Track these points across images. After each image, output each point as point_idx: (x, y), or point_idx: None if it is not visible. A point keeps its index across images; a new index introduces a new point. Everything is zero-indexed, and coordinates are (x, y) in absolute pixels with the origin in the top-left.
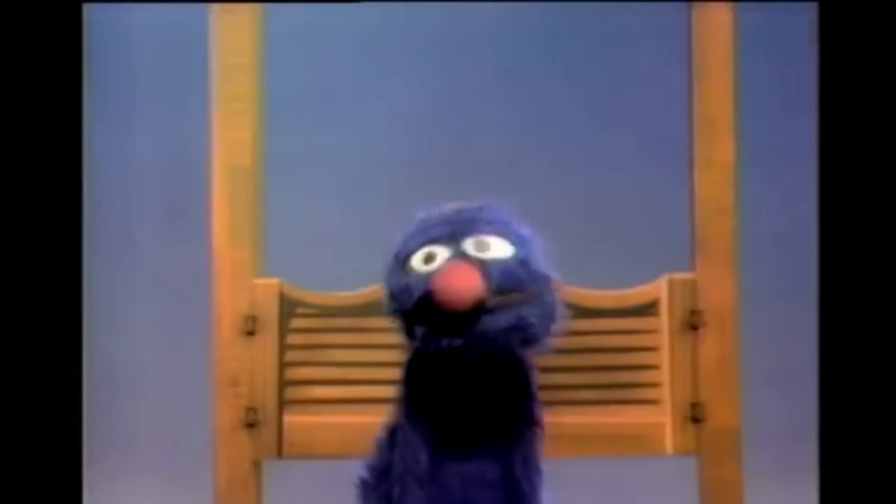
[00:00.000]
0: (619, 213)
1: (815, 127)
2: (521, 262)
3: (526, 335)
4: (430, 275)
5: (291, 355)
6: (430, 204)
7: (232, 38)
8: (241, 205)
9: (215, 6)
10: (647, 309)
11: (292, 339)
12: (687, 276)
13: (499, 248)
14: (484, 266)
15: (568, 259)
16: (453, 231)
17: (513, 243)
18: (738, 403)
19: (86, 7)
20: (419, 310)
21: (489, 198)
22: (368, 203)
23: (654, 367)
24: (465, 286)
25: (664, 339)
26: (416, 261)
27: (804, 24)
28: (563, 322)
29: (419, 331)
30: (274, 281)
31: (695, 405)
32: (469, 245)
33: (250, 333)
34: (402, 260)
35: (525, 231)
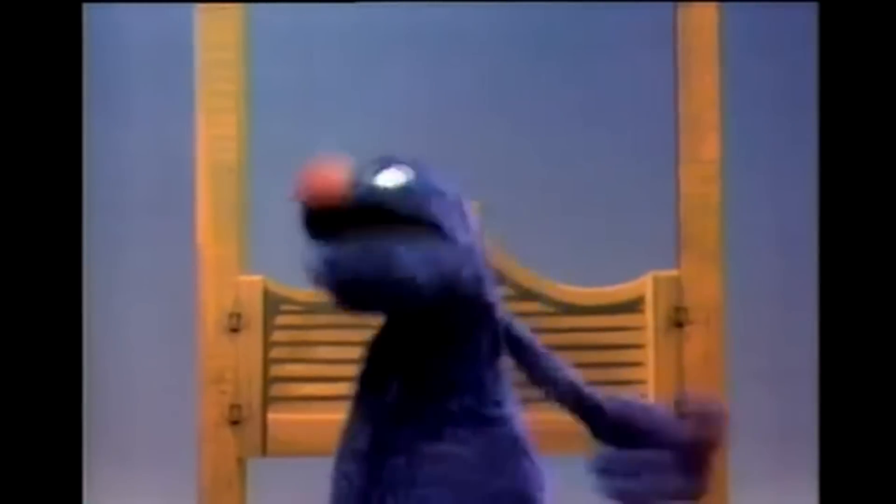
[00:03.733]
0: (604, 210)
1: (804, 125)
2: (403, 188)
3: (370, 273)
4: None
5: (276, 352)
6: None
7: (216, 35)
8: (225, 202)
9: (201, 4)
10: (633, 306)
11: (277, 336)
12: (672, 273)
13: (390, 176)
14: (360, 180)
15: (553, 256)
16: (378, 160)
17: (409, 177)
18: (723, 400)
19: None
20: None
21: (476, 195)
22: None
23: (640, 364)
24: (323, 182)
25: (649, 337)
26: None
27: (795, 23)
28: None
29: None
30: (258, 278)
31: (680, 402)
32: (367, 168)
33: (235, 330)
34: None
35: (437, 176)
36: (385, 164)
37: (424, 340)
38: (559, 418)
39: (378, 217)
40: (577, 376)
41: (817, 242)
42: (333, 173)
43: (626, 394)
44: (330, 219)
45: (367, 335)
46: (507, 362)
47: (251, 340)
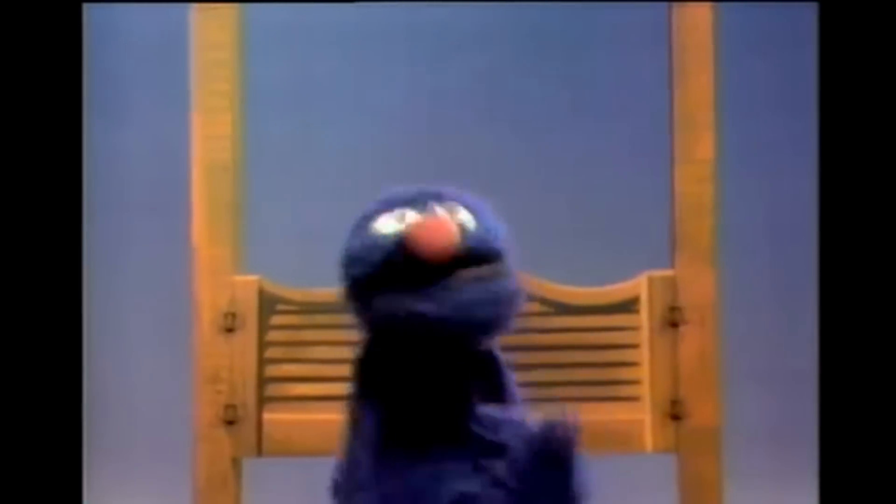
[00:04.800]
0: (599, 209)
1: (799, 125)
2: (486, 230)
3: (497, 311)
4: (400, 232)
5: (271, 352)
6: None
7: (212, 35)
8: (220, 201)
9: (196, 3)
10: (627, 306)
11: (272, 335)
12: (667, 272)
13: (466, 217)
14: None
15: (548, 255)
16: (421, 196)
17: (475, 215)
18: (719, 401)
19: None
20: (386, 270)
21: (471, 194)
22: (349, 200)
23: (634, 365)
24: (444, 235)
25: (644, 337)
26: (383, 222)
27: (791, 23)
28: (523, 307)
29: (383, 298)
30: (253, 278)
31: (674, 402)
32: (437, 208)
33: (230, 330)
34: (367, 222)
35: (484, 207)
36: (448, 202)
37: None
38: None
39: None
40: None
41: (816, 242)
42: (447, 224)
43: (620, 393)
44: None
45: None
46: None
47: (246, 340)
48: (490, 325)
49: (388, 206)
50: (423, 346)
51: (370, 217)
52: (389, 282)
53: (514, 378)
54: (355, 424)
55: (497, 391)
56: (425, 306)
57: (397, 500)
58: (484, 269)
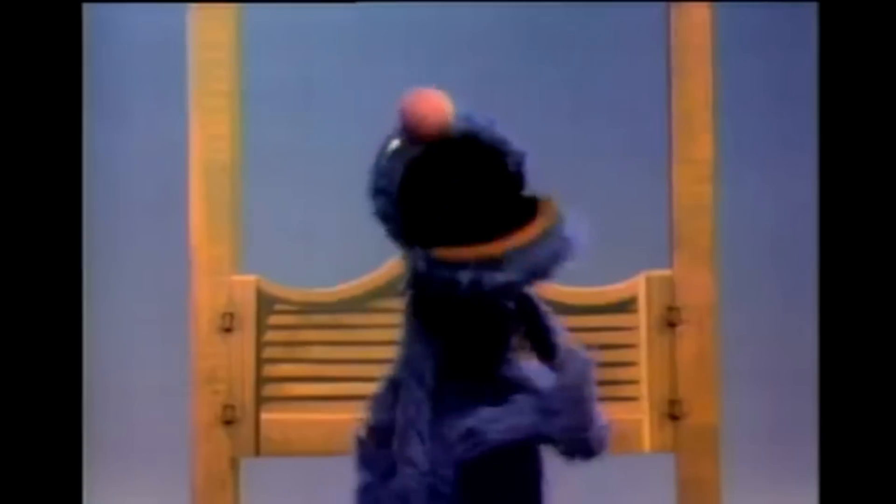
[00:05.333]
0: (597, 209)
1: (797, 125)
2: (489, 119)
3: (559, 264)
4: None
5: (269, 352)
6: None
7: (209, 35)
8: (218, 201)
9: (194, 3)
10: (625, 306)
11: (270, 335)
12: (665, 273)
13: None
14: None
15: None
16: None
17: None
18: (716, 401)
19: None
20: (394, 154)
21: None
22: (347, 200)
23: (632, 364)
24: (434, 108)
25: (642, 336)
26: (392, 143)
27: (788, 23)
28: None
29: (465, 272)
30: (252, 277)
31: (673, 402)
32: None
33: (228, 330)
34: (380, 152)
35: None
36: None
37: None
38: None
39: (464, 148)
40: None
41: (814, 243)
42: (439, 100)
43: (618, 393)
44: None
45: (361, 336)
46: None
47: (244, 340)
48: (549, 277)
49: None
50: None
51: (382, 148)
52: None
53: (550, 316)
54: (407, 357)
55: (538, 331)
56: (500, 278)
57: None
58: (553, 229)
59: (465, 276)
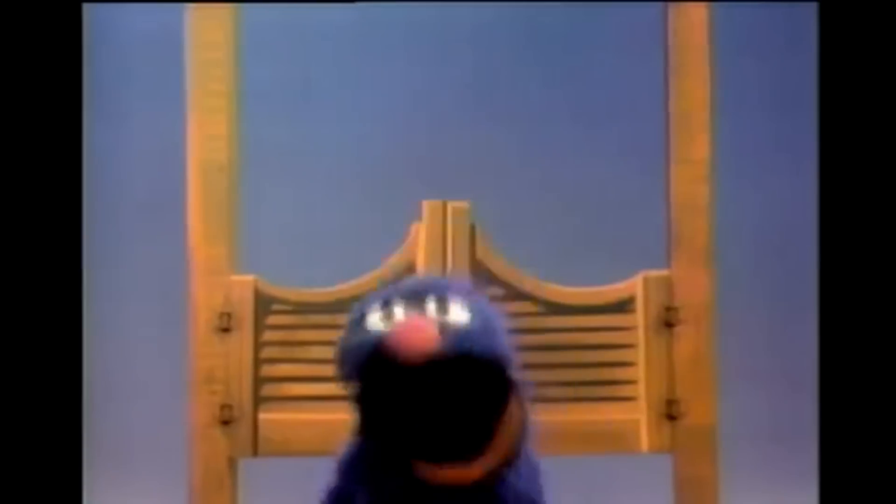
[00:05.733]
0: (595, 210)
1: (794, 125)
2: (481, 329)
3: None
4: (383, 331)
5: (267, 352)
6: (408, 201)
7: (207, 35)
8: (216, 201)
9: (192, 3)
10: (623, 306)
11: (267, 335)
12: (662, 273)
13: (459, 313)
14: (442, 325)
15: (544, 256)
16: (415, 290)
17: (472, 311)
18: (714, 401)
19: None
20: (371, 367)
21: (467, 194)
22: (345, 200)
23: (630, 365)
24: (420, 338)
25: (640, 337)
26: (373, 319)
27: (786, 23)
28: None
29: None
30: (249, 278)
31: (670, 402)
32: (430, 305)
33: (225, 330)
34: (359, 319)
35: (487, 305)
36: (438, 298)
37: None
38: (563, 419)
39: (448, 368)
40: None
41: (811, 242)
42: (426, 327)
43: (616, 393)
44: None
45: None
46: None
47: (242, 340)
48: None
49: (380, 299)
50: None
51: (365, 311)
52: (375, 375)
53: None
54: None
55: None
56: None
57: None
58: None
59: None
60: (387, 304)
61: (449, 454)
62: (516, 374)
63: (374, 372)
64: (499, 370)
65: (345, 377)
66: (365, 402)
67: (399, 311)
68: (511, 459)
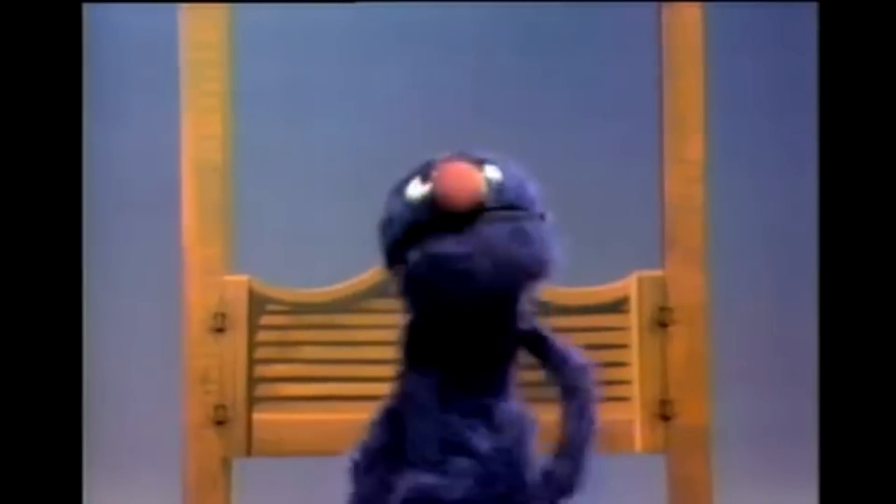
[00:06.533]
0: (588, 210)
1: (789, 125)
2: (518, 184)
3: (528, 250)
4: (427, 192)
5: (261, 352)
6: None
7: (201, 35)
8: (210, 201)
9: (186, 3)
10: (617, 306)
11: (262, 335)
12: (656, 273)
13: (493, 172)
14: (483, 173)
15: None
16: (449, 156)
17: (505, 171)
18: (708, 401)
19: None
20: (416, 230)
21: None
22: (340, 200)
23: (624, 365)
24: (467, 182)
25: (633, 337)
26: (413, 185)
27: (781, 22)
28: (558, 260)
29: (412, 251)
30: (244, 277)
31: (664, 402)
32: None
33: (220, 330)
34: (399, 188)
35: (517, 168)
36: (475, 161)
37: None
38: (557, 419)
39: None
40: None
41: (806, 242)
42: (473, 175)
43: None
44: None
45: (353, 336)
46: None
47: (236, 340)
48: (520, 267)
49: (420, 170)
50: (457, 297)
51: (402, 184)
52: (421, 230)
53: (570, 355)
54: (404, 397)
55: (549, 369)
56: (449, 247)
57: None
58: (512, 213)
59: (411, 255)
60: (425, 173)
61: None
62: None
63: (421, 219)
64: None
65: (390, 242)
66: (410, 257)
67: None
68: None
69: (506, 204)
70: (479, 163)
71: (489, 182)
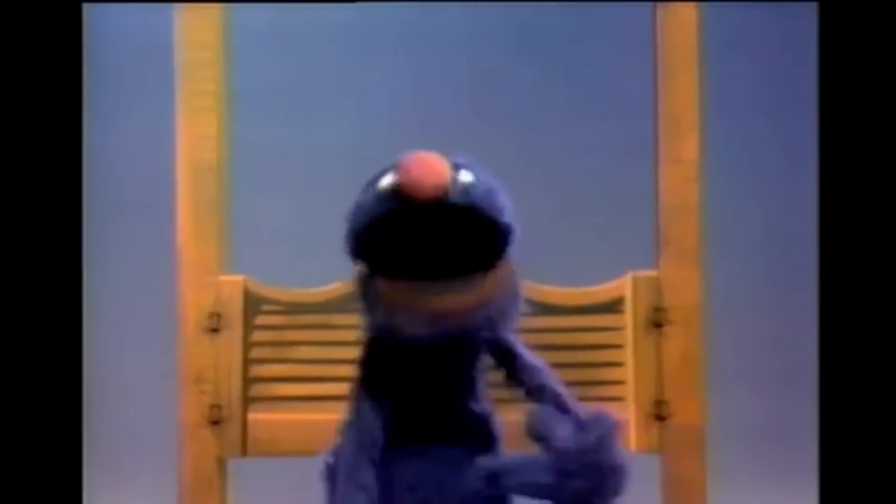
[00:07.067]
0: (584, 209)
1: (784, 126)
2: (486, 191)
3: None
4: (394, 182)
5: (256, 352)
6: None
7: (196, 35)
8: (205, 201)
9: (180, 3)
10: (612, 306)
11: (257, 335)
12: (651, 273)
13: (466, 174)
14: (451, 178)
15: (532, 256)
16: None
17: (478, 177)
18: (702, 401)
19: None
20: (383, 221)
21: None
22: (335, 200)
23: (619, 365)
24: (432, 172)
25: (628, 337)
26: (385, 178)
27: (777, 23)
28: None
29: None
30: (239, 278)
31: (659, 403)
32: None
33: (215, 330)
34: (373, 181)
35: (495, 181)
36: (452, 163)
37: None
38: None
39: (455, 217)
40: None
41: (802, 242)
42: (439, 165)
43: (604, 393)
44: (413, 216)
45: (349, 336)
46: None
47: (231, 340)
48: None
49: (391, 165)
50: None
51: (377, 177)
52: (385, 224)
53: (538, 366)
54: (357, 418)
55: (517, 381)
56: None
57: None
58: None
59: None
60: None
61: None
62: (514, 244)
63: (386, 210)
64: (500, 229)
65: (356, 231)
66: (371, 237)
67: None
68: (493, 316)
69: (471, 204)
70: (454, 166)
71: (457, 181)
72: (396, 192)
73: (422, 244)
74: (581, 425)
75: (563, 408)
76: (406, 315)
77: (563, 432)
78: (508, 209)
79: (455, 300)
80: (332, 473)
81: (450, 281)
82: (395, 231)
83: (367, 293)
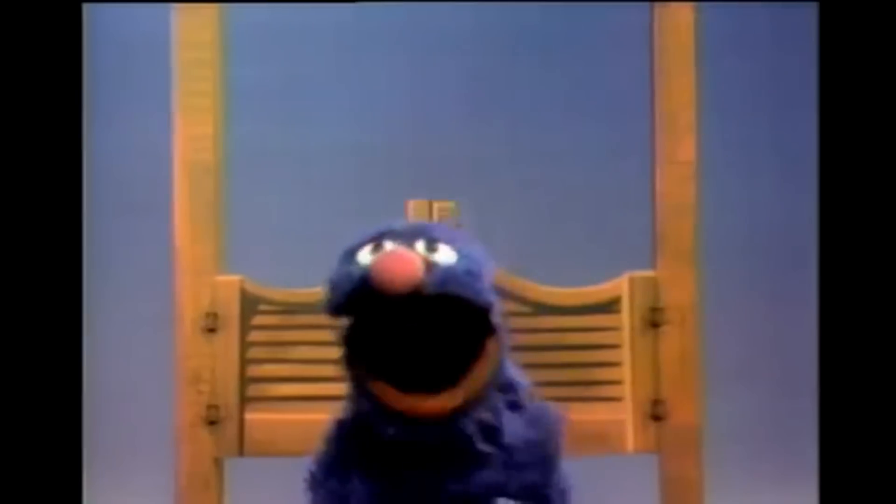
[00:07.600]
0: (581, 210)
1: (781, 126)
2: (466, 271)
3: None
4: (371, 263)
5: (253, 352)
6: (394, 200)
7: (193, 35)
8: (202, 201)
9: (178, 3)
10: (609, 306)
11: (254, 336)
12: (648, 273)
13: (447, 254)
14: (428, 263)
15: (530, 256)
16: (407, 231)
17: (460, 254)
18: (699, 401)
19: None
20: (356, 299)
21: (453, 194)
22: (331, 199)
23: (616, 365)
24: (404, 269)
25: (625, 337)
26: (363, 253)
27: (773, 23)
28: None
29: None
30: (235, 278)
31: (656, 403)
32: (419, 244)
33: (212, 330)
34: (349, 253)
35: (477, 250)
36: (428, 239)
37: None
38: None
39: (432, 306)
40: None
41: (798, 243)
42: (412, 259)
43: (601, 393)
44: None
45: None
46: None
47: (228, 340)
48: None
49: (371, 236)
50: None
51: (356, 247)
52: (360, 306)
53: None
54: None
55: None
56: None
57: None
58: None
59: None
60: (378, 242)
61: (419, 384)
62: (496, 319)
63: (360, 301)
64: (479, 312)
65: (331, 309)
66: (349, 330)
67: (389, 247)
68: (482, 398)
69: (447, 292)
70: (433, 242)
71: (435, 267)
72: (369, 286)
73: (400, 335)
74: (530, 421)
75: (513, 405)
76: (383, 413)
77: (512, 428)
78: (489, 284)
79: (435, 402)
80: (314, 483)
81: (432, 378)
82: (373, 322)
83: (351, 373)
